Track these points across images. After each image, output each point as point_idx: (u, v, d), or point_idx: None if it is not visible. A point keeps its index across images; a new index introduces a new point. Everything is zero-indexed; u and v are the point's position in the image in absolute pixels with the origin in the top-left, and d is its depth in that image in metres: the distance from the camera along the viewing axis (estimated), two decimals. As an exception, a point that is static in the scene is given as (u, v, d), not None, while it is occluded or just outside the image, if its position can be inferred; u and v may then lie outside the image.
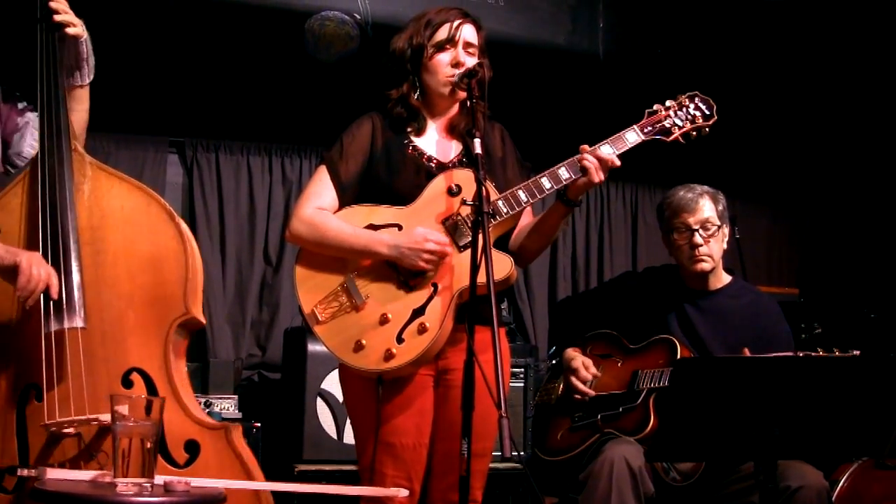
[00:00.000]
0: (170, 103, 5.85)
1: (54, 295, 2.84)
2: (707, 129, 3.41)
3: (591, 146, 3.26)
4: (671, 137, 3.37)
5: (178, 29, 5.31)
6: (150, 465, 2.44)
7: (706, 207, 3.84)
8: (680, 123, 3.38)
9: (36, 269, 2.82)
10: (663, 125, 3.36)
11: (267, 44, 5.46)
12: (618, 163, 3.25)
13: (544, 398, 4.05)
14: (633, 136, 3.32)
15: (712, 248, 3.83)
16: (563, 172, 3.25)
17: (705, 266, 3.84)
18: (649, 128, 3.34)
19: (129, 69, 5.45)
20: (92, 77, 3.17)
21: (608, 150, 3.25)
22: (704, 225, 3.82)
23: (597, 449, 3.65)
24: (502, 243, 3.27)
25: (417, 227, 3.16)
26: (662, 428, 3.39)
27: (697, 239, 3.81)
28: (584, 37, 5.92)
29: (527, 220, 3.44)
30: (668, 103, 3.41)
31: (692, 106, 3.42)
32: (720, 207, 3.87)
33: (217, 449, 2.95)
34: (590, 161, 3.21)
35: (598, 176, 3.22)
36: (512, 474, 5.25)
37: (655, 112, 3.38)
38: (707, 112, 3.42)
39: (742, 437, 3.07)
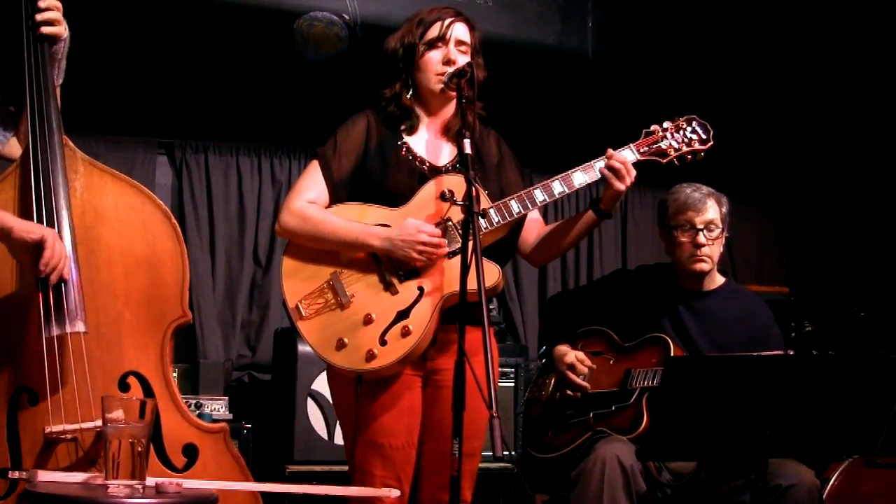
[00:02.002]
0: (159, 104, 5.83)
1: (66, 276, 2.76)
2: (702, 154, 3.41)
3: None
4: (666, 160, 3.38)
5: (167, 30, 5.30)
6: (141, 467, 2.43)
7: (712, 209, 3.84)
8: (676, 146, 3.38)
9: (59, 245, 2.75)
10: (659, 146, 3.37)
11: (256, 44, 5.45)
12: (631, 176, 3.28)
13: (535, 394, 4.04)
14: (629, 155, 3.32)
15: (713, 250, 3.84)
16: (557, 186, 3.26)
17: (704, 266, 3.84)
18: (645, 148, 3.35)
19: (118, 70, 5.45)
20: (62, 80, 3.07)
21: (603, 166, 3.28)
22: (709, 226, 3.82)
23: (589, 447, 3.65)
24: (494, 252, 3.25)
25: (408, 218, 3.16)
26: (653, 426, 3.39)
27: (701, 239, 3.81)
28: (573, 36, 5.93)
29: (538, 223, 3.46)
30: (665, 124, 3.40)
31: (689, 129, 3.41)
32: (724, 210, 3.88)
33: (215, 451, 2.93)
34: (605, 171, 3.25)
35: (618, 184, 3.25)
36: (502, 474, 5.25)
37: (652, 133, 3.38)
38: (703, 136, 3.41)
39: (733, 435, 3.08)
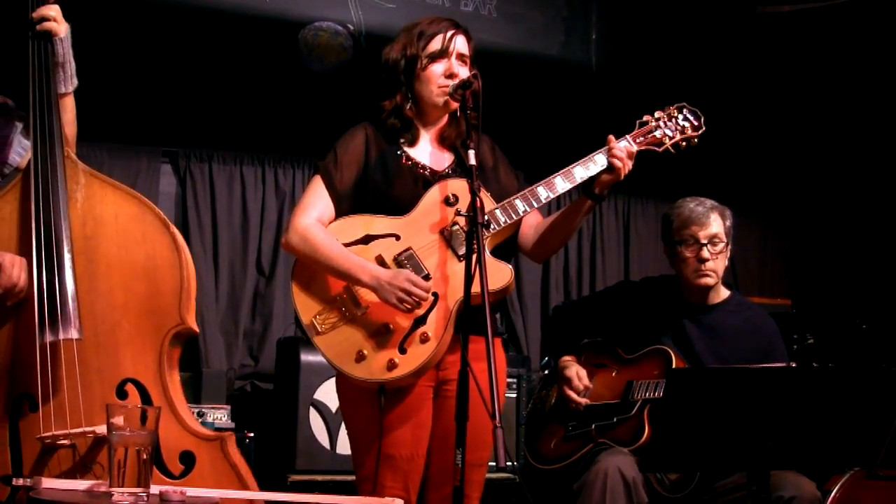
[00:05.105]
0: (163, 113, 5.85)
1: (15, 300, 2.84)
2: (696, 140, 3.44)
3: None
4: (662, 149, 3.41)
5: (172, 39, 5.32)
6: (145, 475, 2.44)
7: (716, 223, 3.84)
8: (670, 134, 3.41)
9: (17, 269, 2.81)
10: (654, 136, 3.39)
11: (260, 54, 5.47)
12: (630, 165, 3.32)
13: (537, 405, 4.04)
14: (626, 146, 3.34)
15: (718, 264, 3.84)
16: (560, 182, 3.27)
17: (709, 281, 3.84)
18: (641, 138, 3.37)
19: (123, 79, 5.46)
20: (75, 84, 3.11)
21: (603, 160, 3.28)
22: (713, 240, 3.82)
23: (590, 459, 3.65)
24: (503, 251, 3.27)
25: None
26: (656, 438, 3.39)
27: (706, 253, 3.81)
28: (577, 48, 5.95)
29: (535, 218, 3.45)
30: (657, 114, 3.44)
31: (681, 117, 3.45)
32: (728, 224, 3.88)
33: (212, 459, 2.93)
34: (615, 160, 3.27)
35: (623, 172, 3.28)
36: (506, 484, 5.25)
37: (646, 123, 3.41)
38: (695, 123, 3.45)
39: (735, 447, 3.07)
